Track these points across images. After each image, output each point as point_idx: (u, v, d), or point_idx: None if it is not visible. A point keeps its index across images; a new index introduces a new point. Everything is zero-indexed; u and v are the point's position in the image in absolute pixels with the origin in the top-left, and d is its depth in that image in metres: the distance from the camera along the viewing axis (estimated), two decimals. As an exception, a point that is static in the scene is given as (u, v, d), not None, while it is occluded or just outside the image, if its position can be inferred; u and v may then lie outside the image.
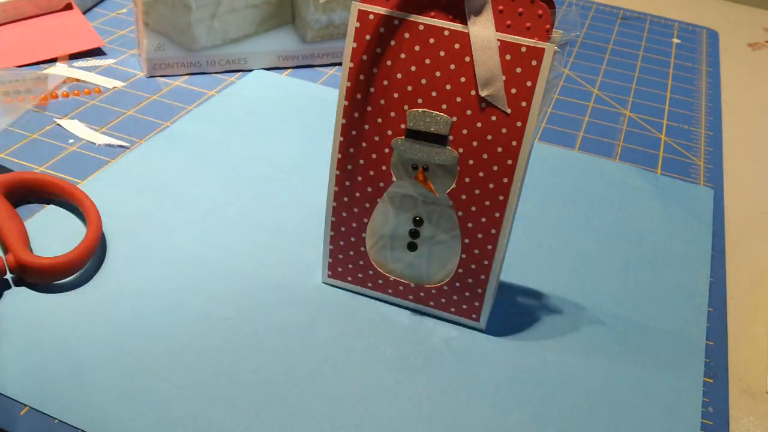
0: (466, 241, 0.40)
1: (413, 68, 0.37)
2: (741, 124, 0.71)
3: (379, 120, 0.38)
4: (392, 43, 0.37)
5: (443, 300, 0.42)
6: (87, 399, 0.36)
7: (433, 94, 0.37)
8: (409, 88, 0.37)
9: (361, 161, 0.40)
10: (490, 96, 0.36)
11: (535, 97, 0.36)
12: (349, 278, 0.44)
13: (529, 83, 0.36)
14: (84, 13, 0.74)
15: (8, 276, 0.42)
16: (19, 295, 0.42)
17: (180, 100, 0.62)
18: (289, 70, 0.68)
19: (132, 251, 0.45)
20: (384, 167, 0.39)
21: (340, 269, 0.44)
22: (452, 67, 0.36)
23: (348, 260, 0.43)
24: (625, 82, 0.75)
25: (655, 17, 0.91)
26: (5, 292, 0.41)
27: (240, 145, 0.56)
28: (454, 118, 0.37)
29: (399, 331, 0.42)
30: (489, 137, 0.37)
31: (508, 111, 0.36)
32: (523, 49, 0.35)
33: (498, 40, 0.35)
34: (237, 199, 0.51)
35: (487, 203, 0.38)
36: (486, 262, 0.40)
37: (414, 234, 0.41)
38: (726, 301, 0.47)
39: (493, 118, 0.37)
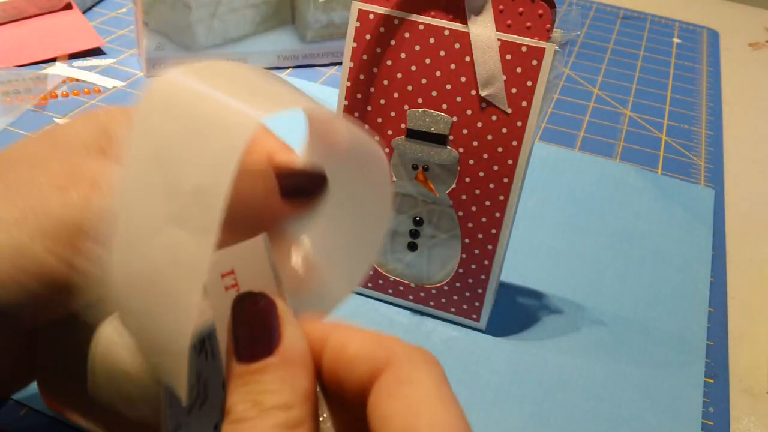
0: (466, 241, 0.40)
1: (413, 68, 0.37)
2: (741, 124, 0.71)
3: (379, 120, 0.38)
4: (392, 42, 0.37)
5: (443, 300, 0.42)
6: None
7: (434, 93, 0.37)
8: (409, 87, 0.37)
9: (361, 161, 0.40)
10: (490, 96, 0.36)
11: (535, 97, 0.36)
12: (349, 278, 0.44)
13: (529, 83, 0.36)
14: (84, 12, 0.74)
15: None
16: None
17: (180, 99, 0.61)
18: (289, 70, 0.68)
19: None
20: (384, 167, 0.39)
21: (340, 269, 0.43)
22: (452, 66, 0.36)
23: (348, 260, 0.43)
24: (626, 81, 0.74)
25: (655, 17, 0.91)
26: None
27: (240, 145, 0.56)
28: (455, 118, 0.37)
29: (399, 331, 0.42)
30: (489, 137, 0.37)
31: (509, 111, 0.36)
32: (524, 49, 0.35)
33: (498, 39, 0.35)
34: (237, 199, 0.51)
35: (488, 203, 0.38)
36: (486, 262, 0.40)
37: (414, 234, 0.41)
38: (727, 301, 0.47)
39: (494, 117, 0.37)
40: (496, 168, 0.37)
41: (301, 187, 0.25)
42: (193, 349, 0.26)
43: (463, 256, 0.40)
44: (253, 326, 0.21)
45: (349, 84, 0.38)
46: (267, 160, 0.26)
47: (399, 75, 0.37)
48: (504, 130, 0.37)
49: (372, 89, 0.38)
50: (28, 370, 0.26)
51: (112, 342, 0.23)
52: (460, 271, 0.41)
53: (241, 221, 0.24)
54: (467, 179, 0.38)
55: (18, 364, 0.26)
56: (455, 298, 0.42)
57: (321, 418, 0.22)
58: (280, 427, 0.19)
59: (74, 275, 0.22)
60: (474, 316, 0.42)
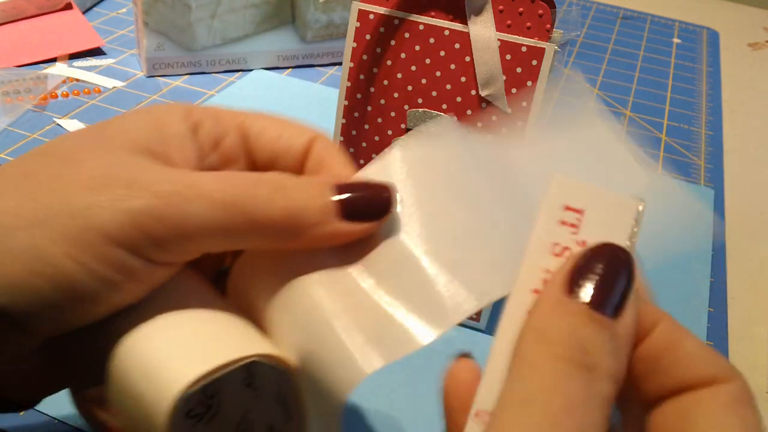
0: (467, 241, 0.40)
1: (413, 68, 0.37)
2: (741, 124, 0.71)
3: (379, 120, 0.38)
4: (392, 42, 0.37)
5: (443, 300, 0.42)
6: (87, 399, 0.36)
7: (434, 93, 0.37)
8: (409, 87, 0.37)
9: (362, 161, 0.40)
10: (490, 96, 0.36)
11: (535, 97, 0.36)
12: (349, 278, 0.44)
13: (529, 83, 0.36)
14: (84, 12, 0.74)
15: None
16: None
17: (180, 99, 0.62)
18: (289, 70, 0.68)
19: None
20: (384, 167, 0.39)
21: (340, 269, 0.43)
22: (452, 66, 0.36)
23: (348, 260, 0.43)
24: (626, 82, 0.74)
25: (655, 17, 0.91)
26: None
27: (240, 145, 0.56)
28: (454, 118, 0.37)
29: (399, 331, 0.42)
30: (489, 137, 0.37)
31: (509, 111, 0.36)
32: (524, 49, 0.35)
33: (498, 39, 0.35)
34: (237, 199, 0.50)
35: (488, 203, 0.38)
36: (486, 262, 0.40)
37: (414, 234, 0.41)
38: (726, 301, 0.47)
39: (494, 117, 0.37)
40: (496, 168, 0.37)
41: (363, 210, 0.23)
42: (242, 381, 0.25)
43: (463, 256, 0.40)
44: (609, 278, 0.18)
45: (349, 84, 0.38)
46: (325, 174, 0.24)
47: (399, 75, 0.37)
48: (504, 130, 0.37)
49: (372, 89, 0.38)
50: (56, 377, 0.25)
51: (126, 364, 0.21)
52: (460, 271, 0.41)
53: (287, 233, 0.22)
54: (467, 179, 0.38)
55: (42, 371, 0.24)
56: (455, 298, 0.42)
57: None
58: (603, 396, 0.17)
59: (94, 283, 0.21)
60: (474, 316, 0.42)
